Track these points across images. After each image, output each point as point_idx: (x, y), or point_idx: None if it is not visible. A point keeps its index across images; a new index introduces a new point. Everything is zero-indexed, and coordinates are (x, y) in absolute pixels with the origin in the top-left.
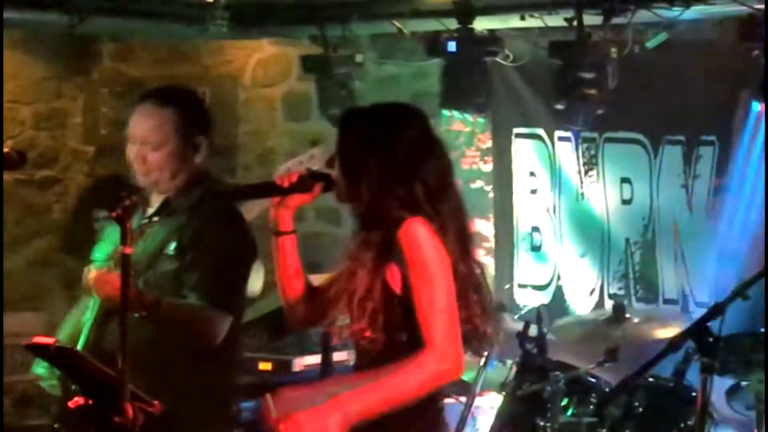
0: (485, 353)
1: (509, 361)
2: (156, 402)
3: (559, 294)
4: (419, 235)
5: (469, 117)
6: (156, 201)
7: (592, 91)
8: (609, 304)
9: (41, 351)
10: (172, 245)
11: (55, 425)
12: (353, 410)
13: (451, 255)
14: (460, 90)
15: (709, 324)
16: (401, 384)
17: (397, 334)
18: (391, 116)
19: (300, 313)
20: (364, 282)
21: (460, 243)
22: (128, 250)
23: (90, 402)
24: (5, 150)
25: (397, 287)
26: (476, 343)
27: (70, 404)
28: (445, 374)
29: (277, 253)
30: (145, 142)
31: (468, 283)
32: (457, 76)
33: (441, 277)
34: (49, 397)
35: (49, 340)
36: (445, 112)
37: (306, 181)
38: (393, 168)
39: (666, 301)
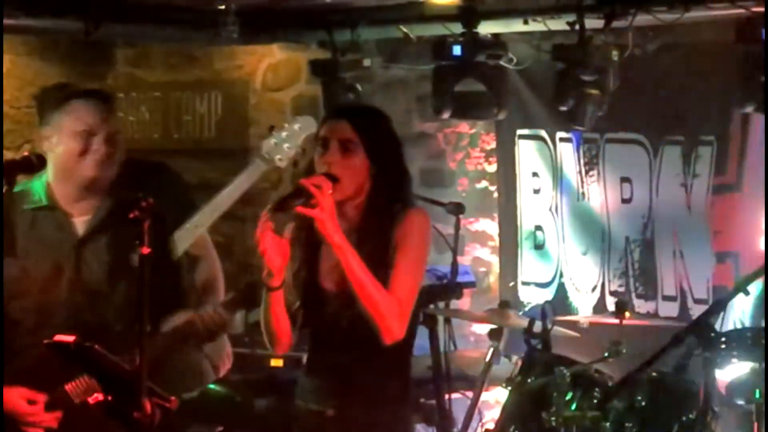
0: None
1: (514, 357)
2: (173, 398)
3: (561, 291)
4: (425, 225)
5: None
6: None
7: (594, 93)
8: (610, 300)
9: (62, 348)
10: None
11: None
12: (346, 248)
13: None
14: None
15: (709, 319)
16: (377, 296)
17: None
18: (385, 117)
19: (289, 343)
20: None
21: None
22: (146, 250)
23: (109, 398)
24: (25, 153)
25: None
26: None
27: (90, 400)
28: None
29: (270, 306)
30: None
31: None
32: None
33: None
34: None
35: (69, 338)
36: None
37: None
38: (401, 162)
39: (665, 298)
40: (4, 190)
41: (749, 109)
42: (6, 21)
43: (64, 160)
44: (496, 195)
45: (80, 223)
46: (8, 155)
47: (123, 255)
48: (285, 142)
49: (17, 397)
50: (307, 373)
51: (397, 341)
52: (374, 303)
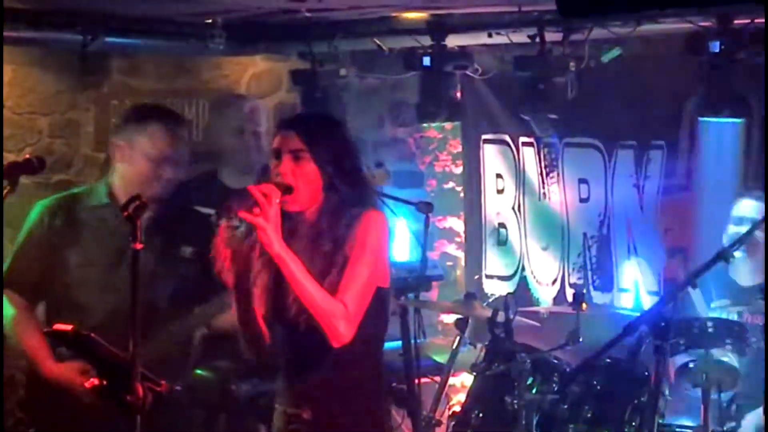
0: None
1: (479, 345)
2: (163, 382)
3: (523, 284)
4: (377, 224)
5: (442, 124)
6: None
7: (553, 101)
8: (569, 292)
9: (61, 336)
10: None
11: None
12: (286, 256)
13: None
14: (436, 100)
15: (661, 310)
16: (320, 302)
17: None
18: (335, 123)
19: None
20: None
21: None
22: (139, 246)
23: (104, 382)
24: (26, 156)
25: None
26: None
27: (87, 384)
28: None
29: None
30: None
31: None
32: (433, 88)
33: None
34: None
35: (67, 327)
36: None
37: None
38: (358, 166)
39: (620, 290)
40: (6, 190)
41: (708, 116)
42: (9, 33)
43: (131, 175)
44: (462, 195)
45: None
46: (10, 157)
47: (172, 252)
48: None
49: (70, 370)
50: (282, 376)
51: (357, 345)
52: (318, 309)
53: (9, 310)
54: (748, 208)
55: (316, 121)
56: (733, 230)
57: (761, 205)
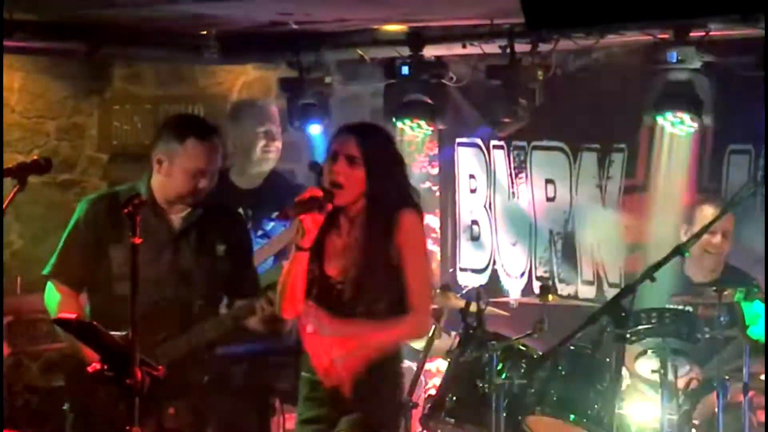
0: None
1: (453, 332)
2: (160, 366)
3: (494, 276)
4: (418, 224)
5: (420, 128)
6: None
7: (522, 107)
8: (536, 284)
9: (65, 324)
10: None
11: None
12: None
13: None
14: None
15: (621, 301)
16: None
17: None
18: (388, 137)
19: (297, 311)
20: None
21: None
22: (138, 240)
23: (105, 367)
24: (34, 157)
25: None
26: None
27: (89, 369)
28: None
29: (295, 265)
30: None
31: None
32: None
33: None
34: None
35: (71, 316)
36: (399, 125)
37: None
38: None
39: (584, 282)
40: (16, 189)
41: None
42: (19, 43)
43: (169, 186)
44: (438, 194)
45: (176, 219)
46: (20, 158)
47: (209, 249)
48: None
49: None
50: (308, 345)
51: None
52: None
53: (55, 297)
54: (708, 214)
55: (374, 132)
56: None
57: (702, 212)
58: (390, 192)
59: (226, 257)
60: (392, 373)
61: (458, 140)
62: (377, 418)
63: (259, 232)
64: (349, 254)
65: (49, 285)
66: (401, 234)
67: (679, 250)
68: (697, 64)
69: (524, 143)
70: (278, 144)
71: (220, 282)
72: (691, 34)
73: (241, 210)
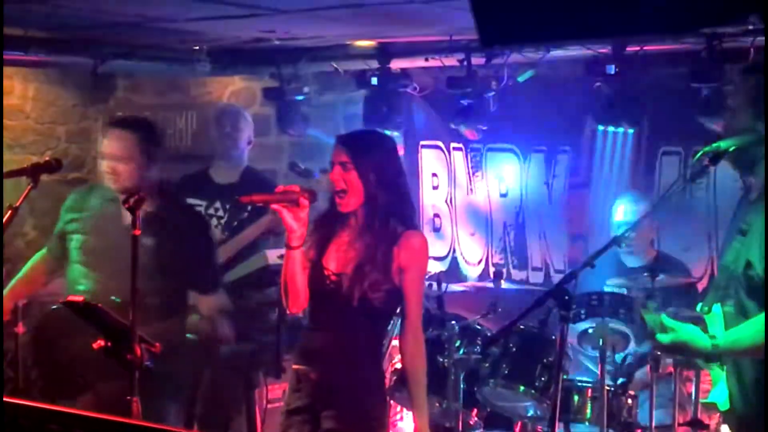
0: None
1: None
2: (157, 344)
3: (454, 263)
4: (424, 247)
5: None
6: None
7: (478, 114)
8: (491, 270)
9: (73, 306)
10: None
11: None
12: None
13: None
14: (382, 113)
15: (565, 286)
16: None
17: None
18: (387, 140)
19: (302, 304)
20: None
21: None
22: (137, 232)
23: (109, 344)
24: (46, 158)
25: (396, 278)
26: None
27: (94, 345)
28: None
29: (287, 263)
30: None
31: None
32: (380, 103)
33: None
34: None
35: (79, 299)
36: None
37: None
38: (399, 181)
39: (533, 269)
40: (30, 186)
41: (602, 126)
42: (32, 57)
43: (105, 174)
44: None
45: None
46: (33, 159)
47: (162, 244)
48: None
49: None
50: (302, 338)
51: (367, 321)
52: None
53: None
54: (627, 208)
55: (363, 138)
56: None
57: (636, 206)
58: (389, 194)
59: (179, 251)
60: (376, 370)
61: (422, 143)
62: (360, 412)
63: (234, 223)
64: (352, 252)
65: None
66: (406, 252)
67: (615, 240)
68: (633, 76)
69: (480, 145)
70: (249, 143)
71: (172, 275)
72: (627, 49)
73: (219, 204)
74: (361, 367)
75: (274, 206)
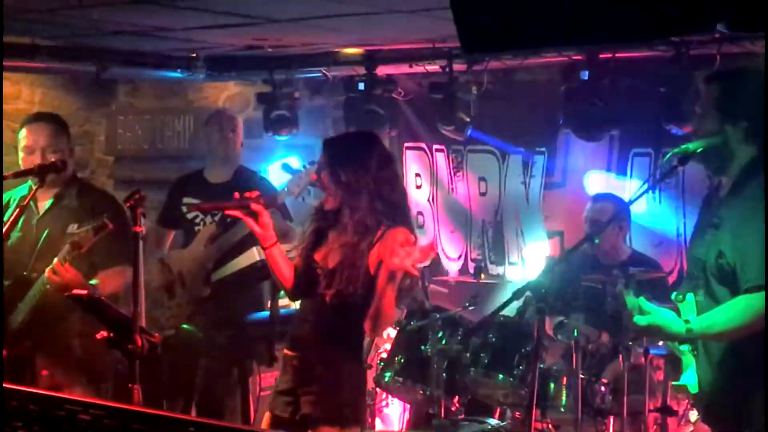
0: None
1: (401, 306)
2: (156, 334)
3: (436, 258)
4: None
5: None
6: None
7: (460, 117)
8: (471, 265)
9: (78, 299)
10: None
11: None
12: None
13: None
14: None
15: (542, 280)
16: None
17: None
18: (365, 141)
19: (297, 292)
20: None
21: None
22: (138, 229)
23: (111, 335)
24: (53, 159)
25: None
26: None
27: (97, 336)
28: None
29: (269, 261)
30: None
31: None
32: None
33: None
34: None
35: (83, 292)
36: None
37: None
38: (374, 175)
39: (510, 264)
40: (36, 186)
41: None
42: (41, 65)
43: (23, 165)
44: None
45: (41, 205)
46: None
47: (61, 232)
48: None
49: None
50: (292, 325)
51: (346, 313)
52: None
53: None
54: (601, 207)
55: (338, 140)
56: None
57: (609, 205)
58: (363, 192)
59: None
60: (354, 361)
61: (406, 144)
62: (335, 400)
63: (228, 220)
64: (336, 248)
65: None
66: (385, 248)
67: (589, 238)
68: (606, 81)
69: (461, 147)
70: (239, 145)
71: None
72: (600, 56)
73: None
74: (340, 358)
75: (230, 213)
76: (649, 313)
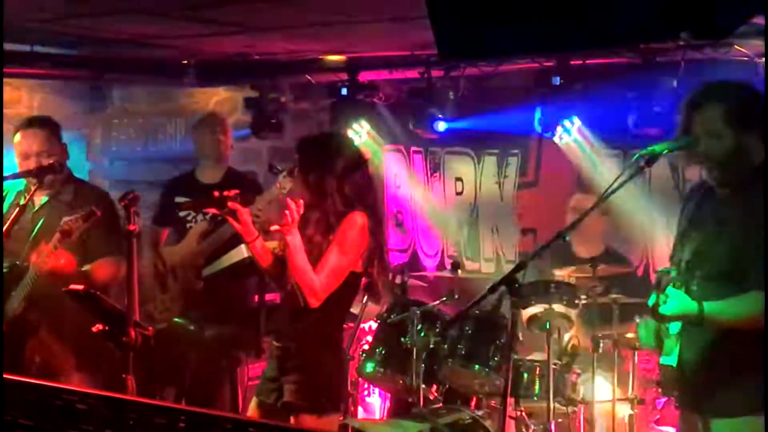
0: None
1: (382, 299)
2: (150, 327)
3: (414, 255)
4: (356, 224)
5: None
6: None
7: (437, 120)
8: (448, 261)
9: (74, 294)
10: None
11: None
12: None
13: (372, 236)
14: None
15: (515, 275)
16: (307, 276)
17: None
18: (332, 141)
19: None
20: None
21: (379, 228)
22: (133, 227)
23: (106, 328)
24: (51, 161)
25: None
26: (372, 292)
27: (94, 329)
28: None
29: (253, 253)
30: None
31: (375, 253)
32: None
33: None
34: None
35: (79, 287)
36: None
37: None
38: (337, 176)
39: (486, 259)
40: (34, 188)
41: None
42: (40, 71)
43: (19, 170)
44: None
45: (37, 200)
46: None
47: (55, 224)
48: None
49: None
50: (276, 317)
51: (325, 307)
52: (301, 280)
53: None
54: (580, 200)
55: (309, 143)
56: (570, 216)
57: (590, 197)
58: (331, 185)
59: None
60: (334, 340)
61: (385, 147)
62: (313, 389)
63: (219, 218)
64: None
65: None
66: (341, 228)
67: (560, 235)
68: (577, 86)
69: (438, 148)
70: (229, 147)
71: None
72: (571, 62)
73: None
74: (319, 348)
75: (209, 210)
76: (669, 296)
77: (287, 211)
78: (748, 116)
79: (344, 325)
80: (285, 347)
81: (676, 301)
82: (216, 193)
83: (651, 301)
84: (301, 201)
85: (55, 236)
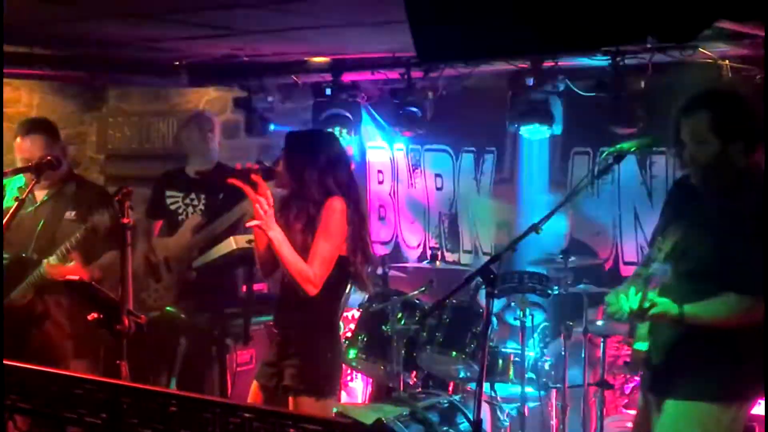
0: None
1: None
2: (142, 316)
3: (396, 247)
4: (335, 209)
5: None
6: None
7: (417, 119)
8: (429, 253)
9: (70, 284)
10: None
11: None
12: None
13: (352, 224)
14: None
15: (491, 266)
16: (298, 266)
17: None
18: (317, 137)
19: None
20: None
21: (359, 216)
22: (126, 220)
23: (101, 316)
24: (48, 158)
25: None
26: (358, 280)
27: (89, 317)
28: (310, 291)
29: (257, 237)
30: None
31: (357, 242)
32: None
33: (335, 238)
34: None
35: (75, 277)
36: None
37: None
38: (319, 169)
39: (464, 251)
40: (33, 182)
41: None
42: (38, 72)
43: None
44: None
45: (39, 195)
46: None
47: (59, 217)
48: None
49: None
50: (275, 305)
51: (321, 295)
52: (294, 272)
53: None
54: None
55: (296, 138)
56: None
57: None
58: (308, 183)
59: (75, 222)
60: (327, 336)
61: (369, 144)
62: (311, 373)
63: (212, 210)
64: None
65: None
66: (323, 215)
67: (533, 228)
68: (549, 87)
69: (419, 146)
70: (217, 144)
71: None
72: (544, 64)
73: (194, 195)
74: (317, 335)
75: (232, 181)
76: (657, 304)
77: (257, 205)
78: (732, 124)
79: (340, 311)
80: (285, 333)
81: (657, 304)
82: (239, 165)
83: (634, 300)
84: (269, 193)
85: (80, 232)
